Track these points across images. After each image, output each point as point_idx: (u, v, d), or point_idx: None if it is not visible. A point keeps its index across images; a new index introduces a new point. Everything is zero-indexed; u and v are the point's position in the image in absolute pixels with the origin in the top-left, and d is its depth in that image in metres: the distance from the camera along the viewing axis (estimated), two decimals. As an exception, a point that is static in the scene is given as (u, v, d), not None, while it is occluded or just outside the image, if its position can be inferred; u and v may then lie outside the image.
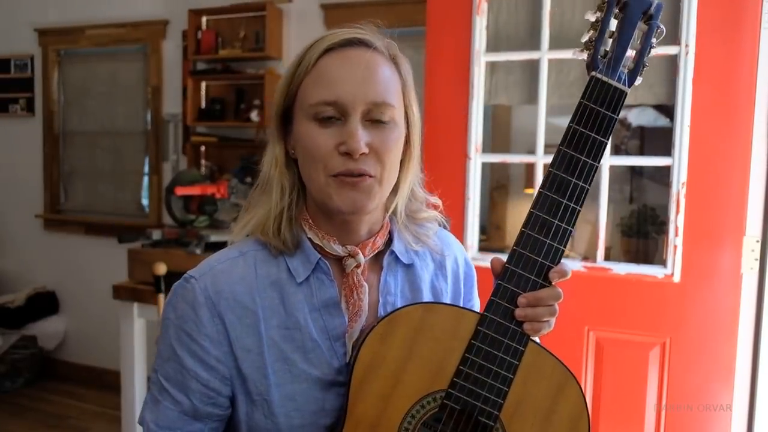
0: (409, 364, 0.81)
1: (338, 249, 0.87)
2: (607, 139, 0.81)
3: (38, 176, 4.17)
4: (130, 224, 3.83)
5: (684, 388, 1.80)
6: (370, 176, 0.82)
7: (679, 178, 1.79)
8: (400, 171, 0.88)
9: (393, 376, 0.81)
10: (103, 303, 3.45)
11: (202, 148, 3.62)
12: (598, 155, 0.81)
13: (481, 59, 1.98)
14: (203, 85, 3.58)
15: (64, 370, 4.10)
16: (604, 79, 0.81)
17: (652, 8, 0.82)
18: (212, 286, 0.84)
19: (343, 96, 0.80)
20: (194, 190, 3.02)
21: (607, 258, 1.98)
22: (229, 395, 0.85)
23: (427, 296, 0.95)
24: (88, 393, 3.86)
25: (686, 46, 1.76)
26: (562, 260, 0.82)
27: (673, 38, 1.78)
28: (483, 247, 2.19)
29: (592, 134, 0.81)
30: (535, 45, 1.94)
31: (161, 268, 2.42)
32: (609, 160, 1.92)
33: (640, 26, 0.83)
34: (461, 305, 0.99)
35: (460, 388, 0.80)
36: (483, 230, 2.73)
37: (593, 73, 0.82)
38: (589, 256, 2.43)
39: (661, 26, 0.83)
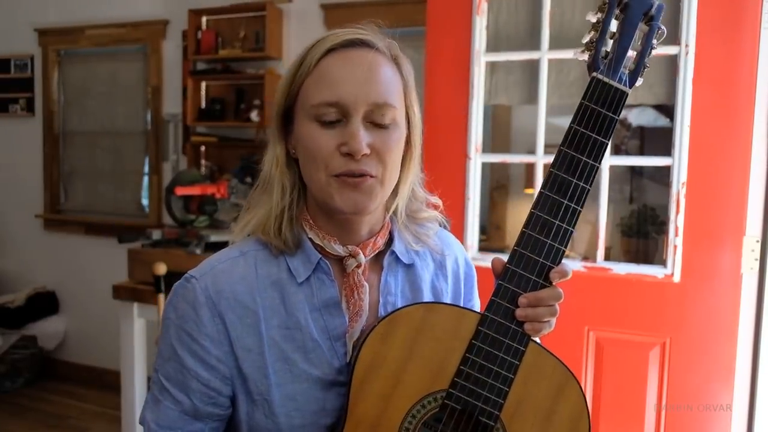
0: (410, 364, 0.81)
1: (339, 249, 0.87)
2: (608, 140, 0.81)
3: (38, 176, 4.17)
4: (130, 224, 3.83)
5: (684, 388, 1.80)
6: (372, 177, 0.82)
7: (679, 178, 1.79)
8: (400, 171, 0.89)
9: (394, 376, 0.81)
10: (103, 303, 3.46)
11: (202, 148, 3.62)
12: (598, 156, 0.81)
13: (481, 59, 1.98)
14: (203, 85, 3.58)
15: (64, 370, 4.10)
16: (605, 80, 0.81)
17: (653, 9, 0.82)
18: (213, 286, 0.84)
19: (345, 97, 0.80)
20: (194, 190, 3.02)
21: (607, 258, 1.98)
22: (230, 395, 0.85)
23: (427, 296, 0.95)
24: (88, 393, 3.86)
25: (686, 46, 1.76)
26: (563, 260, 0.83)
27: (673, 38, 1.78)
28: (483, 247, 2.19)
29: (593, 135, 0.81)
30: (535, 45, 1.94)
31: (161, 268, 2.42)
32: (609, 160, 1.92)
33: (641, 27, 0.83)
34: (461, 305, 0.99)
35: (461, 388, 0.81)
36: (483, 230, 2.74)
37: (594, 74, 0.82)
38: (589, 256, 2.44)
39: (662, 27, 0.83)
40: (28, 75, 4.13)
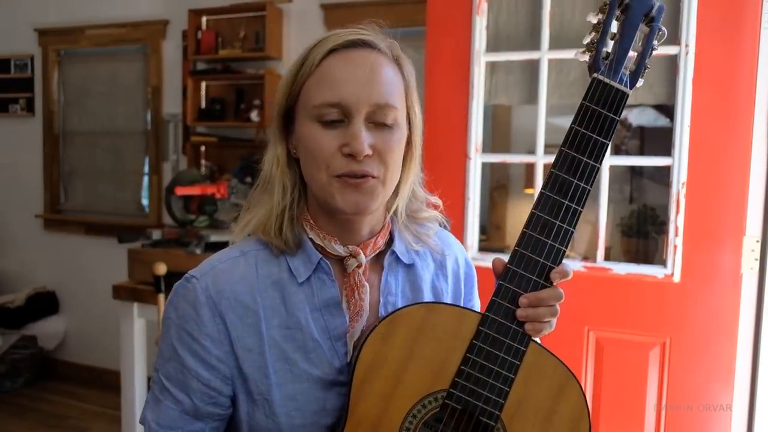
0: (411, 364, 0.81)
1: (340, 249, 0.87)
2: (609, 141, 0.81)
3: (38, 176, 4.17)
4: (130, 224, 3.83)
5: (684, 388, 1.80)
6: (374, 177, 0.82)
7: (679, 178, 1.79)
8: (401, 171, 0.89)
9: (394, 376, 0.81)
10: (103, 303, 3.46)
11: (202, 148, 3.62)
12: (599, 156, 0.81)
13: (481, 59, 1.98)
14: (203, 85, 3.58)
15: (64, 370, 4.10)
16: (606, 80, 0.81)
17: (654, 10, 0.82)
18: (213, 286, 0.84)
19: (347, 98, 0.80)
20: (194, 190, 3.02)
21: (607, 258, 1.98)
22: (230, 395, 0.86)
23: (428, 296, 0.95)
24: (88, 393, 3.86)
25: (686, 46, 1.76)
26: (563, 260, 0.83)
27: (673, 38, 1.78)
28: (483, 247, 2.19)
29: (594, 135, 0.81)
30: (535, 45, 1.94)
31: (161, 268, 2.42)
32: (609, 160, 1.92)
33: (642, 28, 0.83)
34: (462, 305, 0.99)
35: (462, 388, 0.81)
36: (483, 230, 2.74)
37: (595, 75, 0.82)
38: (589, 256, 2.44)
39: (663, 29, 0.83)
40: (28, 75, 4.13)
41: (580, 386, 0.83)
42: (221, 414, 0.86)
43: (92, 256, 3.98)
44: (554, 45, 1.92)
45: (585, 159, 0.81)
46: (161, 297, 2.44)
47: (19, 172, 4.22)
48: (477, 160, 2.01)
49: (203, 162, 3.60)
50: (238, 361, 0.84)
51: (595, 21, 0.84)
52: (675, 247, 1.80)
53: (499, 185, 3.27)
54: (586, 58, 0.84)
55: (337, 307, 0.87)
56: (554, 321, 0.84)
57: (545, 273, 0.82)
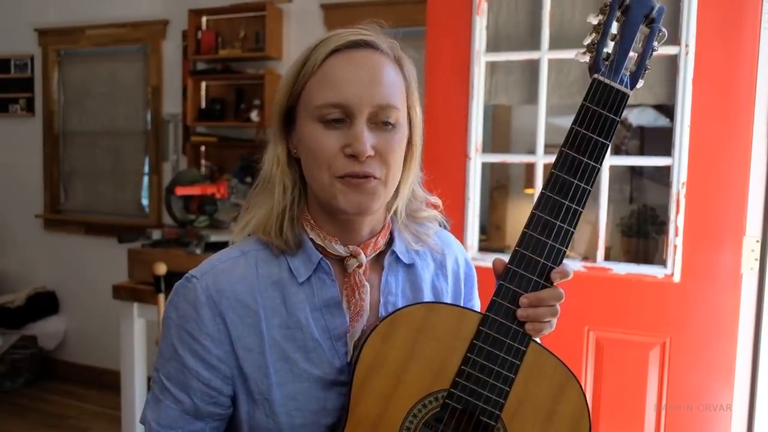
0: (411, 364, 0.81)
1: (340, 249, 0.87)
2: (609, 141, 0.82)
3: (38, 176, 4.17)
4: (130, 224, 3.83)
5: (684, 388, 1.80)
6: (375, 178, 0.82)
7: (679, 178, 1.79)
8: (401, 171, 0.89)
9: (395, 376, 0.81)
10: (103, 303, 3.46)
11: (202, 148, 3.62)
12: (599, 157, 0.82)
13: (481, 59, 1.99)
14: (203, 85, 3.58)
15: (64, 370, 4.10)
16: (606, 81, 0.82)
17: (654, 12, 0.83)
18: (214, 286, 0.84)
19: (350, 98, 0.81)
20: (194, 190, 3.02)
21: (607, 258, 1.98)
22: (231, 394, 0.86)
23: (428, 296, 0.95)
24: (88, 393, 3.86)
25: (686, 46, 1.77)
26: (564, 261, 0.83)
27: (673, 38, 1.78)
28: (483, 247, 2.19)
29: (594, 136, 0.81)
30: (535, 45, 1.94)
31: (161, 268, 2.42)
32: (609, 160, 1.92)
33: (642, 29, 0.83)
34: (462, 305, 0.99)
35: (462, 388, 0.81)
36: (483, 230, 2.74)
37: (595, 76, 0.82)
38: (589, 256, 2.44)
39: (663, 30, 0.83)
40: (28, 75, 4.13)
41: (581, 386, 0.83)
42: (221, 414, 0.86)
43: (92, 256, 3.98)
44: (554, 45, 1.92)
45: (585, 159, 0.81)
46: (161, 297, 2.44)
47: (19, 172, 4.22)
48: (477, 160, 2.01)
49: (203, 162, 3.60)
50: (238, 360, 0.84)
51: (595, 22, 0.84)
52: (675, 247, 1.80)
53: (499, 185, 3.27)
54: (587, 59, 0.85)
55: (337, 307, 0.87)
56: (554, 321, 0.84)
57: (545, 273, 0.82)
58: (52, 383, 4.00)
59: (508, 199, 3.25)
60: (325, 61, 0.83)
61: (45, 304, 4.09)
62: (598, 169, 0.82)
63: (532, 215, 0.82)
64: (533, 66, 1.97)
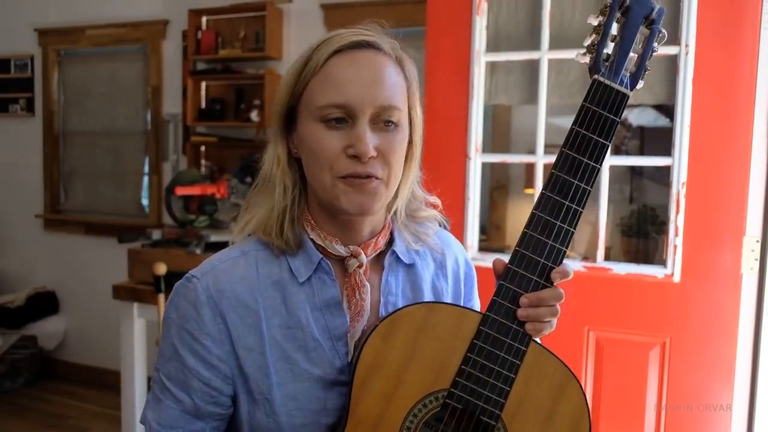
0: (411, 364, 0.81)
1: (341, 249, 0.88)
2: (609, 142, 0.82)
3: (38, 176, 4.17)
4: (130, 224, 3.83)
5: (684, 388, 1.80)
6: (377, 178, 0.82)
7: (679, 178, 1.79)
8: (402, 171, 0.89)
9: (395, 376, 0.81)
10: (103, 303, 3.46)
11: (202, 148, 3.62)
12: (600, 157, 0.82)
13: (481, 59, 1.99)
14: (203, 85, 3.58)
15: (64, 370, 4.10)
16: (607, 82, 0.82)
17: (654, 13, 0.83)
18: (214, 286, 0.84)
19: (352, 99, 0.81)
20: (194, 190, 3.02)
21: (607, 258, 1.98)
22: (231, 394, 0.86)
23: (428, 296, 0.95)
24: (88, 393, 3.86)
25: (686, 46, 1.77)
26: (564, 261, 0.83)
27: (673, 38, 1.78)
28: (483, 247, 2.19)
29: (594, 137, 0.81)
30: (535, 45, 1.95)
31: (161, 268, 2.42)
32: (609, 160, 1.92)
33: (642, 30, 0.83)
34: (462, 305, 0.99)
35: (462, 388, 0.81)
36: (483, 230, 2.74)
37: (596, 77, 0.82)
38: (589, 256, 2.44)
39: (663, 31, 0.83)
40: (28, 75, 4.13)
41: (581, 386, 0.83)
42: (222, 413, 0.86)
43: (92, 256, 3.98)
44: (554, 45, 1.92)
45: (585, 160, 0.81)
46: (161, 297, 2.44)
47: (19, 172, 4.22)
48: (477, 160, 2.01)
49: (203, 162, 3.61)
50: (238, 360, 0.84)
51: (595, 23, 0.85)
52: (675, 247, 1.80)
53: (499, 185, 3.27)
54: (587, 59, 0.85)
55: (337, 307, 0.87)
56: (555, 321, 0.84)
57: (546, 273, 0.82)
58: (52, 383, 4.00)
59: (508, 199, 3.25)
60: (328, 61, 0.83)
61: (45, 304, 4.09)
62: (598, 170, 0.82)
63: (532, 215, 0.82)
64: (533, 66, 1.97)
